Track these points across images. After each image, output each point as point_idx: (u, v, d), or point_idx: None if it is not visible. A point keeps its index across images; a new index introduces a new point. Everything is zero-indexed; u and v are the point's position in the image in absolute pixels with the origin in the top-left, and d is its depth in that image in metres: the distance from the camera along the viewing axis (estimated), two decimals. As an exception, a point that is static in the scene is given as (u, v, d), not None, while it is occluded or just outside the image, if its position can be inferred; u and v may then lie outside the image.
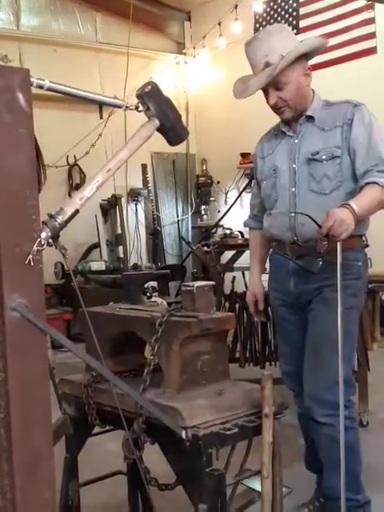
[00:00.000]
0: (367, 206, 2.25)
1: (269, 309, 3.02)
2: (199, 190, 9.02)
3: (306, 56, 2.42)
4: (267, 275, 2.75)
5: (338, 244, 2.17)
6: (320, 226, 2.16)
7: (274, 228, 2.55)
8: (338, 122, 2.40)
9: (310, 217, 2.25)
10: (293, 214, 2.42)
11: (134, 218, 8.58)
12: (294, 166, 2.47)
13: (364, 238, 2.58)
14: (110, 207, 7.66)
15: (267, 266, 2.78)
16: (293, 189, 2.46)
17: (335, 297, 2.21)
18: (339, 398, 2.23)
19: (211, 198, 8.95)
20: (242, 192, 7.50)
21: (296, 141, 2.48)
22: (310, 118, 2.46)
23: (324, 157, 2.39)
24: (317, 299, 2.45)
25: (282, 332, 2.70)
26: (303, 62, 2.42)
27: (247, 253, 4.76)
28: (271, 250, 2.69)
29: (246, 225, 2.88)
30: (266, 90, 2.40)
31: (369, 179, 2.31)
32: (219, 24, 7.67)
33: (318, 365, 2.40)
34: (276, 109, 2.45)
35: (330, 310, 2.29)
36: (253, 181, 2.81)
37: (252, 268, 2.80)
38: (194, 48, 8.63)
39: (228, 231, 6.25)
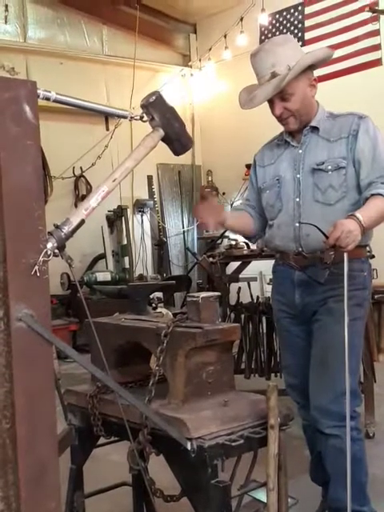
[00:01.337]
0: (373, 217, 2.25)
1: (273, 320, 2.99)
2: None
3: (311, 67, 2.44)
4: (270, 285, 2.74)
5: (345, 255, 2.18)
6: (327, 237, 2.16)
7: (278, 239, 2.53)
8: (344, 134, 2.41)
9: (317, 227, 2.26)
10: (298, 225, 2.42)
11: (140, 228, 8.59)
12: (298, 175, 2.47)
13: (368, 249, 2.58)
14: (115, 218, 7.68)
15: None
16: (297, 199, 2.46)
17: (340, 307, 2.22)
18: (344, 410, 2.23)
19: (217, 210, 8.94)
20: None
21: (300, 151, 2.49)
22: (315, 129, 2.47)
23: (329, 167, 2.40)
24: (322, 310, 2.44)
25: (287, 344, 2.67)
26: (309, 73, 2.43)
27: (253, 263, 4.79)
28: (274, 263, 2.65)
29: (235, 207, 2.86)
30: (271, 101, 2.41)
31: (374, 191, 2.31)
32: (225, 36, 7.72)
33: (325, 376, 2.39)
34: (281, 119, 2.46)
35: (335, 321, 2.30)
36: (250, 186, 2.79)
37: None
38: (200, 60, 8.68)
39: (233, 242, 6.24)
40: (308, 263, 2.41)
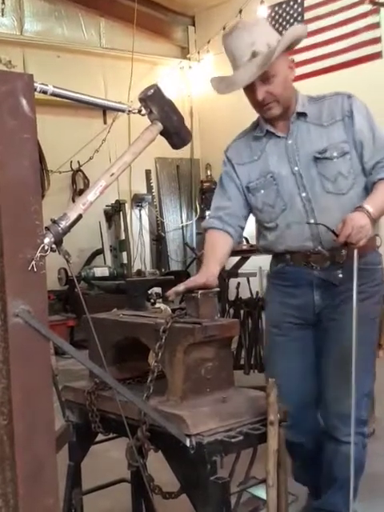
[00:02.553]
0: (381, 206, 2.15)
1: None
2: (203, 195, 9.00)
3: (287, 48, 2.25)
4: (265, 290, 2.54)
5: (355, 252, 2.08)
6: (336, 235, 2.06)
7: (288, 240, 2.32)
8: (338, 116, 2.28)
9: (325, 226, 2.13)
10: (313, 221, 2.25)
11: (138, 223, 8.58)
12: (296, 168, 2.29)
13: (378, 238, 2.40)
14: (113, 213, 7.67)
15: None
16: (303, 194, 2.28)
17: (363, 306, 2.11)
18: (364, 414, 2.18)
19: (216, 204, 8.94)
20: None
21: (290, 141, 2.31)
22: (302, 115, 2.31)
23: (335, 154, 2.25)
24: (342, 310, 2.28)
25: (283, 350, 2.42)
26: (287, 55, 2.28)
27: (252, 258, 4.76)
28: (279, 264, 2.42)
29: (207, 225, 2.43)
30: (250, 86, 2.21)
31: (382, 175, 2.21)
32: (223, 29, 7.66)
33: (346, 380, 2.20)
34: (263, 105, 2.26)
35: (358, 321, 2.16)
36: (220, 187, 2.48)
37: (208, 264, 2.23)
38: (199, 53, 8.66)
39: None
40: (331, 261, 2.27)
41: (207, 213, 2.55)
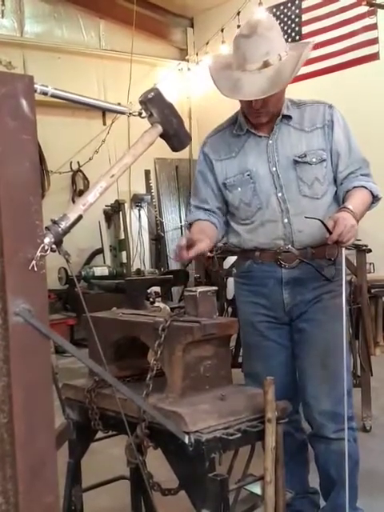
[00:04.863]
0: (361, 210, 2.22)
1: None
2: (202, 195, 9.00)
3: None
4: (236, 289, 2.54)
5: (342, 250, 2.16)
6: (330, 232, 2.09)
7: (262, 237, 2.34)
8: (318, 123, 2.32)
9: (322, 222, 2.15)
10: (287, 221, 2.29)
11: (138, 223, 8.59)
12: (274, 169, 2.31)
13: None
14: (113, 213, 7.68)
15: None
16: (279, 194, 2.30)
17: (335, 304, 2.18)
18: (349, 411, 2.21)
19: (214, 204, 8.95)
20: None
21: (270, 141, 2.32)
22: (286, 118, 2.32)
23: (314, 159, 2.29)
24: (315, 308, 2.34)
25: (260, 350, 2.44)
26: None
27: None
28: (246, 262, 2.42)
29: (190, 219, 2.45)
30: None
31: (357, 183, 2.28)
32: (222, 30, 7.68)
33: (328, 378, 2.30)
34: (254, 112, 2.26)
35: (332, 319, 2.25)
36: (197, 184, 2.49)
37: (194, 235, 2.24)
38: (197, 54, 8.66)
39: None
40: (300, 260, 2.31)
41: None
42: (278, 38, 2.22)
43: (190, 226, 2.44)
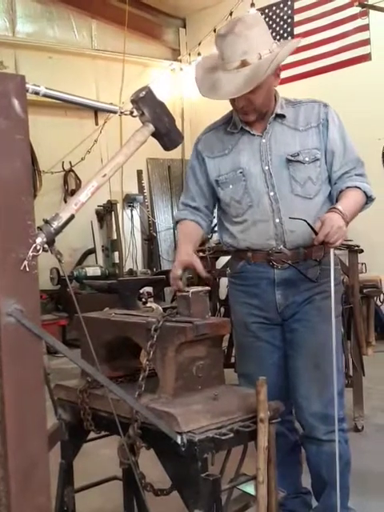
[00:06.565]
0: (353, 210, 2.21)
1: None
2: (194, 195, 9.00)
3: None
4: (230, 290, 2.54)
5: (331, 251, 2.16)
6: (316, 233, 2.09)
7: (253, 237, 2.33)
8: (313, 123, 2.31)
9: (307, 223, 2.16)
10: (278, 221, 2.28)
11: (130, 223, 8.58)
12: (266, 167, 2.29)
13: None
14: (105, 213, 7.68)
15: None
16: (271, 193, 2.29)
17: (327, 305, 2.17)
18: (340, 412, 2.20)
19: (206, 204, 8.96)
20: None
21: (263, 140, 2.31)
22: (280, 117, 2.32)
23: (307, 159, 2.28)
24: (307, 309, 2.33)
25: (252, 350, 2.43)
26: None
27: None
28: (240, 263, 2.42)
29: (179, 217, 2.49)
30: None
31: (350, 183, 2.27)
32: (214, 31, 7.67)
33: (320, 379, 2.29)
34: (241, 111, 2.27)
35: (323, 319, 2.24)
36: (188, 181, 2.50)
37: (182, 245, 2.33)
38: (190, 54, 8.67)
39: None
40: (292, 260, 2.30)
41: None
42: (258, 37, 2.18)
43: (177, 223, 2.50)
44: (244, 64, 2.15)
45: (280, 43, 2.32)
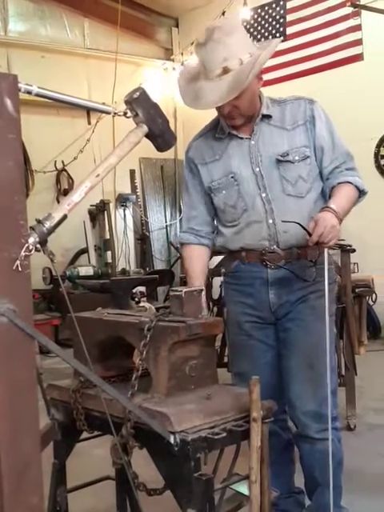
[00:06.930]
0: (346, 207, 2.21)
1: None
2: (187, 195, 9.01)
3: None
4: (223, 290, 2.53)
5: (326, 250, 2.16)
6: (310, 234, 2.10)
7: (248, 238, 2.34)
8: (300, 121, 2.31)
9: (300, 225, 2.16)
10: (271, 221, 2.29)
11: (123, 223, 8.58)
12: (257, 169, 2.30)
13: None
14: (98, 212, 7.67)
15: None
16: (263, 194, 2.30)
17: (321, 304, 2.18)
18: (333, 411, 2.20)
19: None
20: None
21: (252, 142, 2.31)
22: (266, 117, 2.31)
23: (296, 157, 2.28)
24: (301, 308, 2.34)
25: (246, 350, 2.44)
26: None
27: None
28: (234, 263, 2.44)
29: (182, 240, 2.51)
30: None
31: (342, 178, 2.28)
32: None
33: (313, 378, 2.30)
34: (227, 117, 2.27)
35: (317, 319, 2.24)
36: (186, 191, 2.50)
37: (192, 280, 2.40)
38: (182, 54, 8.67)
39: (216, 236, 6.26)
40: (285, 260, 2.31)
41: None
42: (238, 42, 2.16)
43: (181, 245, 2.52)
44: (226, 71, 2.14)
45: (260, 44, 2.32)
